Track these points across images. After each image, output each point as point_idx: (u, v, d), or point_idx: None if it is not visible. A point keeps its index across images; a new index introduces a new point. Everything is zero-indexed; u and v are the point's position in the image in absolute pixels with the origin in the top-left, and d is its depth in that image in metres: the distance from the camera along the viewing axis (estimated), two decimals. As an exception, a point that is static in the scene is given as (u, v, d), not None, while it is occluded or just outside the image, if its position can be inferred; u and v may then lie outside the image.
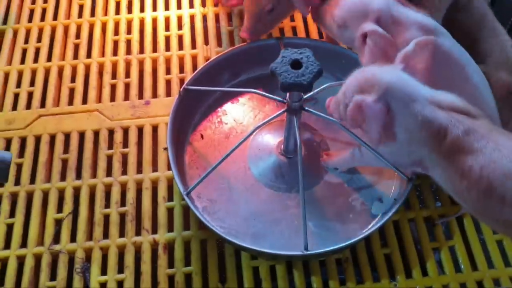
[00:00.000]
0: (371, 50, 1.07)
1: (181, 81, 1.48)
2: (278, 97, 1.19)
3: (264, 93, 1.23)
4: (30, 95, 1.48)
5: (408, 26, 1.07)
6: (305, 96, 1.17)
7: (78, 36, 1.60)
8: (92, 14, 1.65)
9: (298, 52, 1.07)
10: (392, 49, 1.05)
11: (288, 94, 1.14)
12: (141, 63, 1.54)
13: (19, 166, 1.35)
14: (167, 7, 1.66)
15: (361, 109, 0.92)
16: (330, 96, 1.07)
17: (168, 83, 1.50)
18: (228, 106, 1.43)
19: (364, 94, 0.92)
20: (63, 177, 1.34)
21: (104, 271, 1.21)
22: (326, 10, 1.20)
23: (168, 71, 1.52)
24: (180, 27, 1.62)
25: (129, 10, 1.65)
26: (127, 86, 1.49)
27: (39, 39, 1.60)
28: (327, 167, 1.30)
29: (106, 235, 1.25)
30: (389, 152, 1.01)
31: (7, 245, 1.24)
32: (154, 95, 1.48)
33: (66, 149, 1.38)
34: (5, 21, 1.64)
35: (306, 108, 1.18)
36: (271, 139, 1.35)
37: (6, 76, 1.52)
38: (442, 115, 0.89)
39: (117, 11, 1.65)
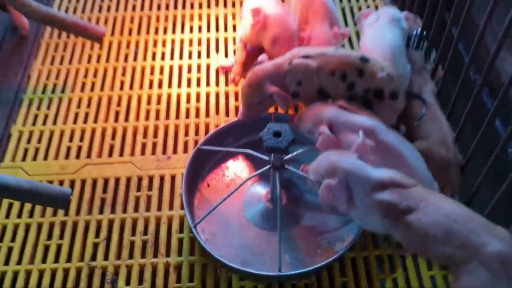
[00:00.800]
0: (321, 144, 1.50)
1: (196, 142, 1.92)
2: (266, 156, 1.61)
3: (256, 153, 1.65)
4: (79, 148, 1.93)
5: (353, 128, 1.49)
6: (285, 157, 1.59)
7: (119, 104, 2.07)
8: (131, 88, 2.12)
9: (279, 125, 1.50)
10: (336, 145, 1.47)
11: (272, 155, 1.56)
12: (166, 127, 1.98)
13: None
14: (189, 85, 2.12)
15: (330, 190, 1.31)
16: (305, 159, 1.48)
17: (185, 143, 1.93)
18: (230, 163, 1.85)
19: (330, 177, 1.32)
20: (101, 211, 1.75)
21: (128, 283, 1.59)
22: (298, 123, 1.63)
23: (186, 134, 1.96)
24: (198, 100, 2.07)
25: (160, 86, 2.12)
26: (154, 144, 1.93)
27: (88, 106, 2.06)
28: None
29: (131, 256, 1.65)
30: (355, 215, 1.39)
31: (56, 260, 1.64)
32: (175, 151, 1.91)
33: (104, 190, 1.81)
34: (62, 91, 2.11)
35: (286, 166, 1.59)
36: (261, 190, 1.76)
37: (62, 132, 1.97)
38: (385, 193, 1.28)
39: (150, 87, 2.12)
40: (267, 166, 1.60)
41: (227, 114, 2.03)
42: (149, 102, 2.07)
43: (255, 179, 1.80)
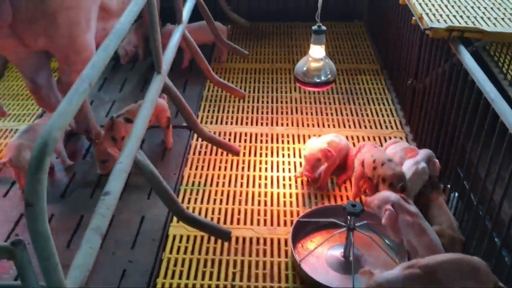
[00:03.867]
0: (387, 217, 2.58)
1: (291, 221, 2.99)
2: (343, 222, 2.69)
3: (337, 221, 2.73)
4: (219, 219, 3.03)
5: (407, 211, 2.59)
6: (357, 224, 2.66)
7: (240, 195, 3.21)
8: (247, 185, 3.28)
9: (354, 202, 2.60)
10: (395, 220, 2.57)
11: (348, 221, 2.63)
12: (271, 211, 3.09)
13: (215, 247, 2.82)
14: (290, 187, 3.27)
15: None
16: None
17: (285, 221, 3.02)
18: (317, 233, 2.91)
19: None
20: (235, 254, 2.79)
21: (256, 294, 2.58)
22: (370, 202, 2.73)
23: (284, 215, 3.06)
24: (291, 197, 3.20)
25: (277, 187, 3.28)
26: (265, 220, 3.02)
27: (222, 195, 3.21)
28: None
29: (256, 281, 2.65)
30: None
31: (210, 279, 2.64)
32: (278, 225, 2.99)
33: (236, 243, 2.86)
34: (204, 185, 3.28)
35: (357, 229, 2.65)
36: (337, 251, 2.79)
37: (206, 209, 3.09)
38: None
39: (271, 186, 3.28)
40: (344, 229, 2.67)
41: (310, 206, 3.14)
42: (259, 195, 3.21)
43: (333, 244, 2.84)
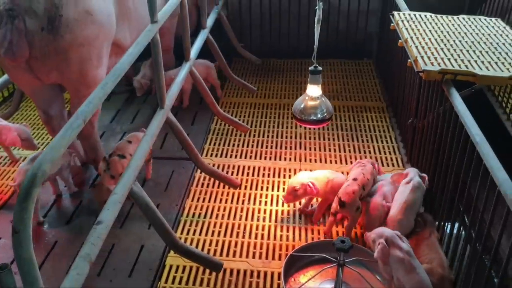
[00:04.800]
0: (379, 251, 2.63)
1: (286, 255, 3.05)
2: (334, 258, 2.74)
3: (328, 256, 2.78)
4: (215, 250, 3.11)
5: (399, 247, 2.63)
6: (346, 260, 2.70)
7: (239, 227, 3.29)
8: (246, 219, 3.36)
9: (344, 238, 2.66)
10: (387, 254, 2.61)
11: (338, 256, 2.69)
12: (267, 244, 3.16)
13: None
14: (286, 220, 3.35)
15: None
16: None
17: (279, 255, 3.08)
18: (309, 267, 2.96)
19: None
20: (229, 286, 2.85)
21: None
22: (367, 236, 2.79)
23: (280, 249, 3.12)
24: (288, 231, 3.27)
25: (271, 220, 3.36)
26: (260, 254, 3.09)
27: (220, 227, 3.29)
28: None
29: (247, 312, 2.70)
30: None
31: (203, 309, 2.71)
32: (273, 258, 3.05)
33: (231, 275, 2.93)
34: (204, 216, 3.38)
35: (346, 265, 2.70)
36: (331, 284, 2.83)
37: (204, 240, 3.18)
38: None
39: (265, 220, 3.36)
40: (334, 264, 2.72)
41: (305, 241, 3.20)
42: (257, 228, 3.29)
43: (323, 279, 2.88)
